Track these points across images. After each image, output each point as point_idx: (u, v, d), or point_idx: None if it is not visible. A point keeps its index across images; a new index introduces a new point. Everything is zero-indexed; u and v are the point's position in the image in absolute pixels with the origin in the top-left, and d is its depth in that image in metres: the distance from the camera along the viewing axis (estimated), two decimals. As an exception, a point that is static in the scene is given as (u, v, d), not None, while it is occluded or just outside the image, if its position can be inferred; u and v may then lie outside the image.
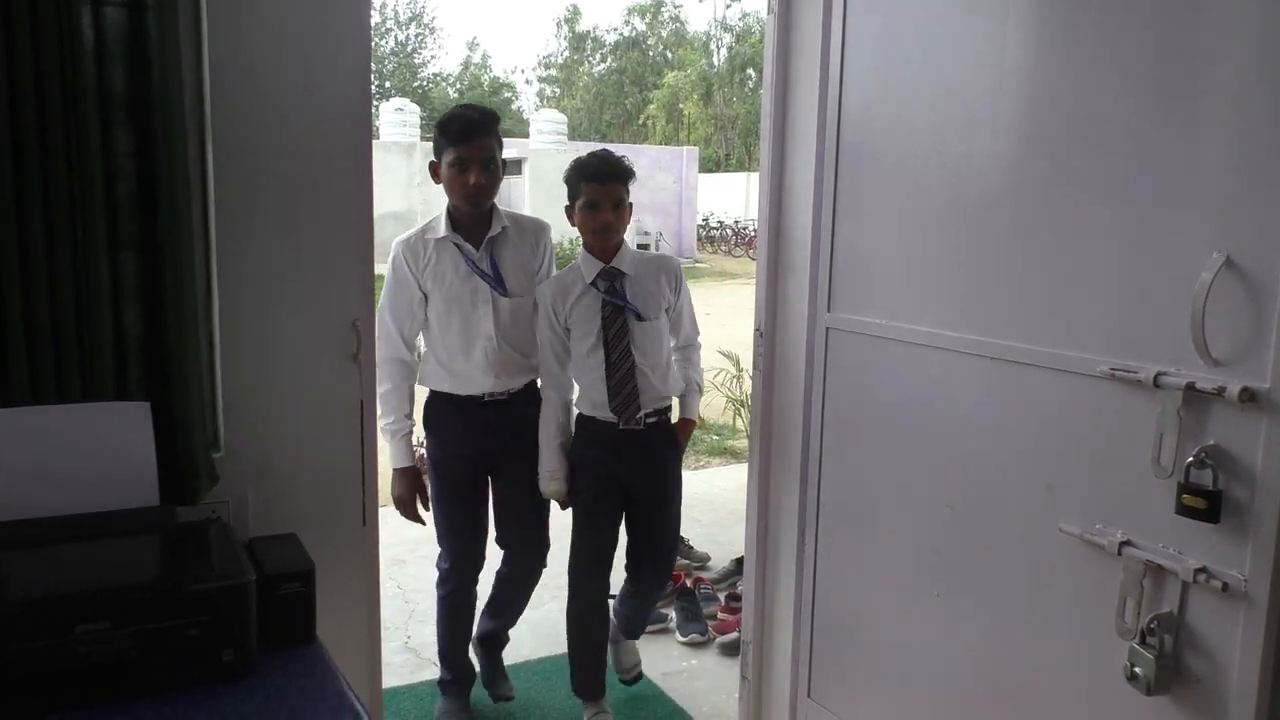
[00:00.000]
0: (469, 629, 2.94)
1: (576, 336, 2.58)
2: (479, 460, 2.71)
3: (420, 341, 2.71)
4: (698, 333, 2.81)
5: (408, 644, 3.49)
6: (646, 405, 2.57)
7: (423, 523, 2.74)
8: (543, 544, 2.84)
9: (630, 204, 2.59)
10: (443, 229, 2.56)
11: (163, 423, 1.71)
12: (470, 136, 2.48)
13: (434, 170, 2.58)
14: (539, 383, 2.68)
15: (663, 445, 2.68)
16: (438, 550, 2.83)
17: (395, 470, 2.68)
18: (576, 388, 2.68)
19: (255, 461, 1.90)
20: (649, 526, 2.73)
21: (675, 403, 2.76)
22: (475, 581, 2.86)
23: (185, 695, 1.36)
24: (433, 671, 3.18)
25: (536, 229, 2.72)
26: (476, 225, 2.58)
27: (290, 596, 1.57)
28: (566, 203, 2.59)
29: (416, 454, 2.78)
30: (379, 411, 2.42)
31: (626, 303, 2.55)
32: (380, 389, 2.49)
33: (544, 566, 2.88)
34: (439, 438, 2.70)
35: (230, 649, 1.41)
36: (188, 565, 1.57)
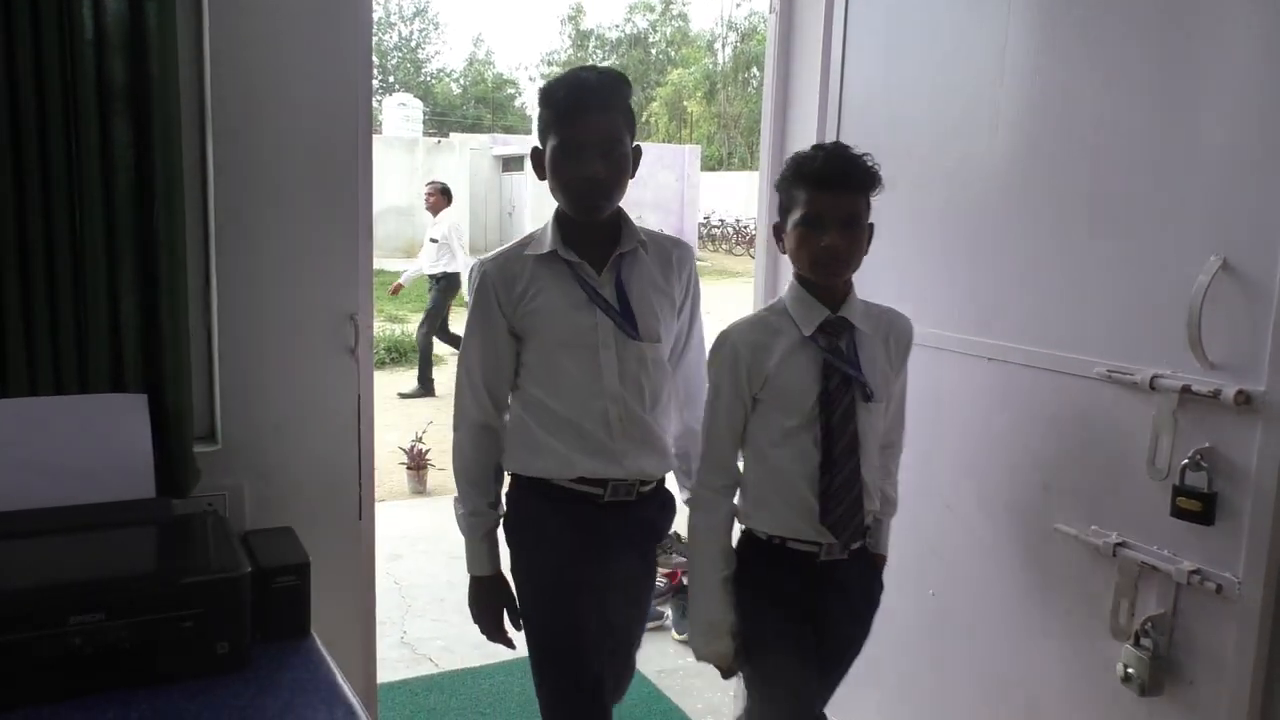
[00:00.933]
0: None
1: (769, 409, 1.70)
2: (586, 584, 1.80)
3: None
4: (903, 429, 1.88)
5: (403, 639, 3.49)
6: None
7: (512, 645, 1.89)
8: None
9: (871, 224, 1.69)
10: (549, 242, 1.75)
11: (156, 415, 1.71)
12: (584, 112, 1.67)
13: (536, 160, 1.76)
14: (693, 479, 1.80)
15: (869, 582, 1.83)
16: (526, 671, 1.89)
17: (474, 579, 1.86)
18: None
19: (252, 455, 1.90)
20: (829, 680, 1.87)
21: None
22: None
23: (179, 687, 1.36)
24: (428, 666, 3.19)
25: (678, 251, 1.88)
26: (598, 240, 1.77)
27: (285, 590, 1.57)
28: (776, 219, 1.74)
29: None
30: (456, 494, 1.85)
31: (859, 373, 1.68)
32: (456, 463, 1.84)
33: None
34: (530, 550, 1.83)
35: (225, 641, 1.40)
36: (183, 557, 1.57)
